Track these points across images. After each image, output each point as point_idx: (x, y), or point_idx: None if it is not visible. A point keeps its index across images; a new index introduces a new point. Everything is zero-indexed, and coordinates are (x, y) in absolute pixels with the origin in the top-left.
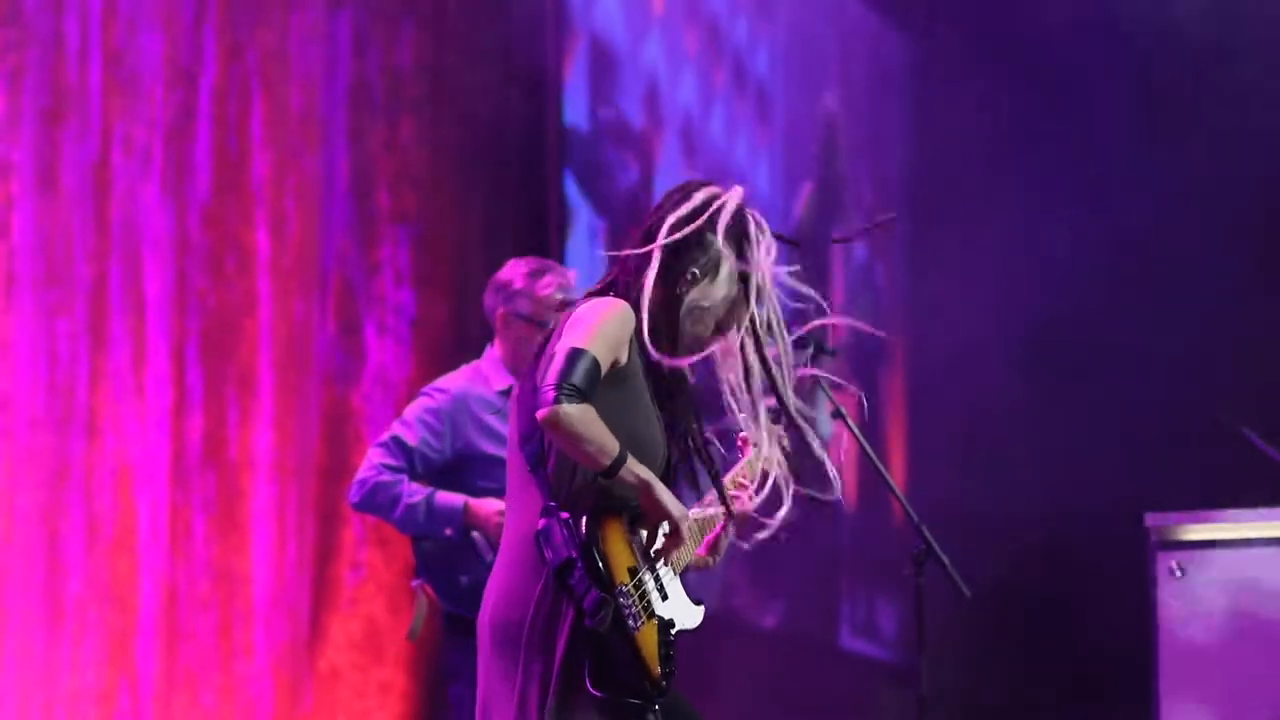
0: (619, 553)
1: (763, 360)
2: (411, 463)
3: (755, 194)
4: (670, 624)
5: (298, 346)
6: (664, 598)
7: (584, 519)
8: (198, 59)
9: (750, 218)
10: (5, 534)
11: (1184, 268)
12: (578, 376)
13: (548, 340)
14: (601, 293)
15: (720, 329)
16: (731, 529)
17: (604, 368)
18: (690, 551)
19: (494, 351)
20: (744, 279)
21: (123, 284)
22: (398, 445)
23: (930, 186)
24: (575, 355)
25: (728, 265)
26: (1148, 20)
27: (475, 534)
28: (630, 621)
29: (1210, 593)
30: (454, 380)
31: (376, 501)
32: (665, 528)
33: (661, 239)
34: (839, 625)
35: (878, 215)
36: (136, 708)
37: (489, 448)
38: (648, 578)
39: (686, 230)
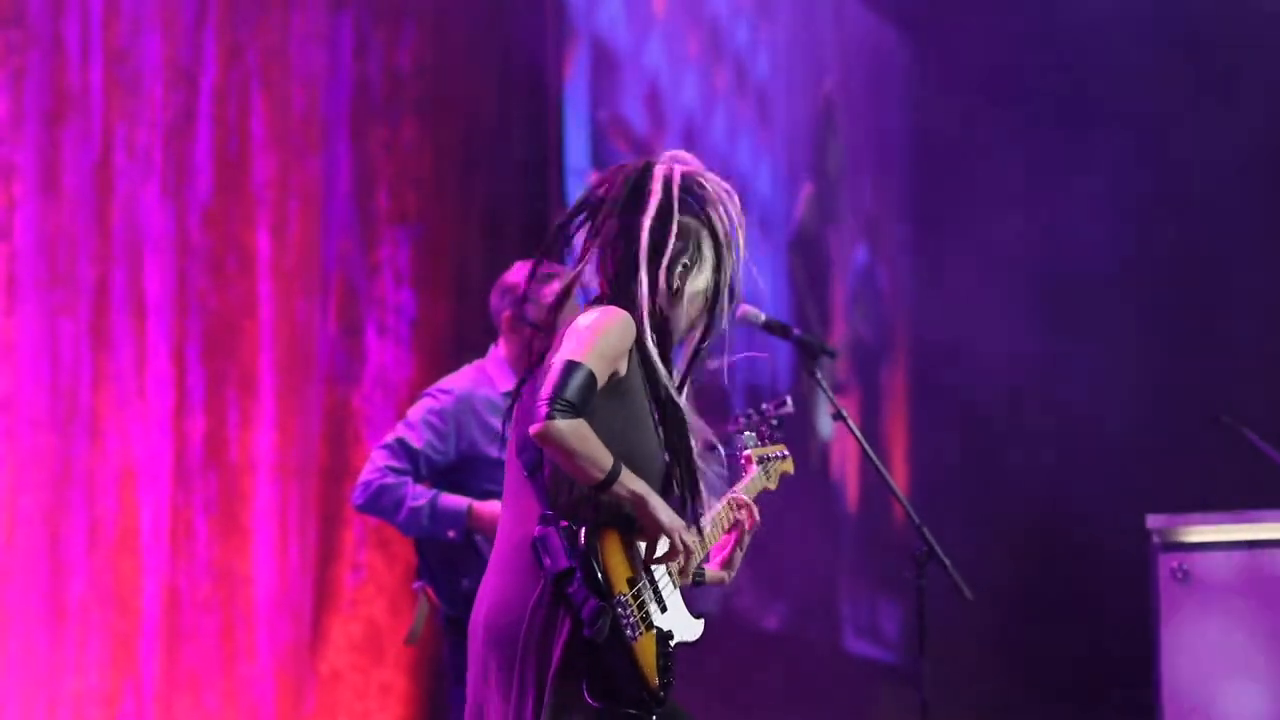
0: (618, 563)
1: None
2: (416, 465)
3: (757, 195)
4: (669, 635)
5: (299, 348)
6: (663, 609)
7: (583, 529)
8: (198, 60)
9: (699, 180)
10: (8, 535)
11: (1185, 267)
12: (571, 391)
13: (544, 352)
14: (597, 303)
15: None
16: (745, 543)
17: (601, 380)
18: (693, 562)
19: (499, 352)
20: (714, 239)
21: (124, 285)
22: (402, 447)
23: (931, 187)
24: (571, 369)
25: (707, 242)
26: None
27: (478, 538)
28: (628, 632)
29: (1213, 595)
30: (458, 381)
31: (380, 504)
32: (663, 540)
33: (645, 249)
34: (842, 627)
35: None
36: (140, 709)
37: (493, 450)
38: (646, 589)
39: (669, 229)
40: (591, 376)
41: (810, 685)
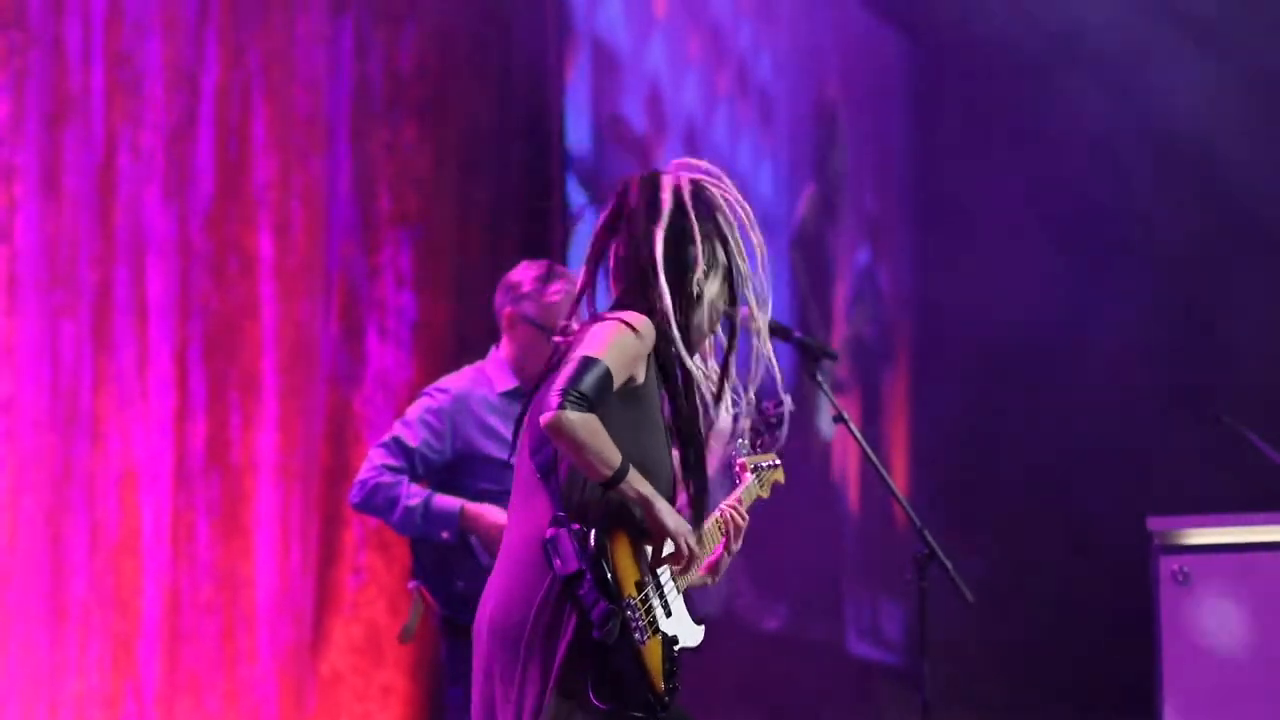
0: (627, 567)
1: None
2: (412, 463)
3: (758, 197)
4: (674, 640)
5: (300, 349)
6: (668, 614)
7: (593, 531)
8: (200, 62)
9: (708, 186)
10: (9, 537)
11: (1184, 268)
12: (587, 384)
13: (556, 351)
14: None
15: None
16: (734, 549)
17: (616, 381)
18: (695, 569)
19: (499, 353)
20: (725, 245)
21: (126, 287)
22: (399, 446)
23: (932, 187)
24: (588, 363)
25: (719, 247)
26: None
27: (473, 539)
28: (637, 635)
29: (1213, 597)
30: (456, 381)
31: (375, 503)
32: (669, 545)
33: (660, 257)
34: (843, 628)
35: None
36: (141, 711)
37: (489, 448)
38: (653, 593)
39: (682, 236)
40: (608, 374)
41: (811, 686)
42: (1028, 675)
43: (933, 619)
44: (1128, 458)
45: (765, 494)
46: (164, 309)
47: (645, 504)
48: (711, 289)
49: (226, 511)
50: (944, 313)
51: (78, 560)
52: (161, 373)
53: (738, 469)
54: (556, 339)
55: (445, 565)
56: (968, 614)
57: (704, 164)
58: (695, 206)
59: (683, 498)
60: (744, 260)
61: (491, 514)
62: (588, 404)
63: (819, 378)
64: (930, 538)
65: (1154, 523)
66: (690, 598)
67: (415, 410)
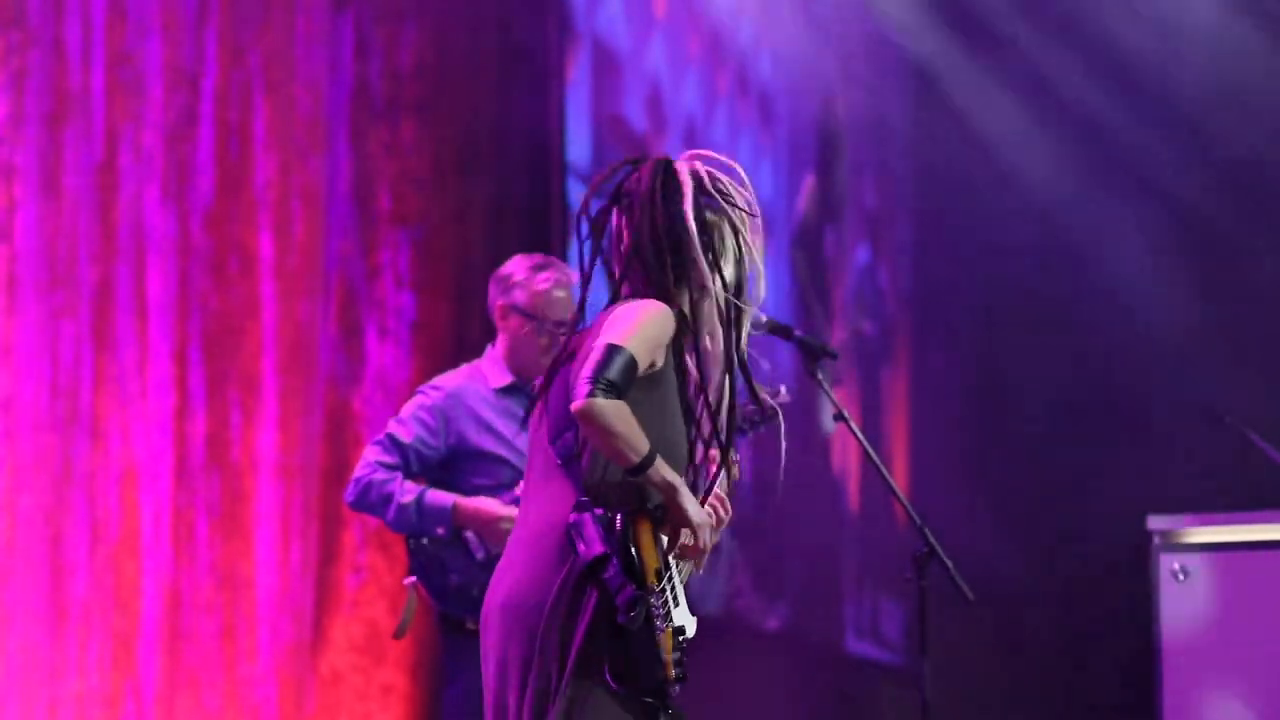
0: (650, 554)
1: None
2: (407, 460)
3: (758, 196)
4: (681, 630)
5: (300, 349)
6: (676, 604)
7: (619, 516)
8: (200, 61)
9: (719, 175)
10: (8, 536)
11: (1184, 269)
12: (614, 372)
13: (570, 340)
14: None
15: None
16: (715, 540)
17: (641, 367)
18: (703, 560)
19: (494, 350)
20: (735, 234)
21: (126, 286)
22: (392, 443)
23: (932, 187)
24: (613, 351)
25: (730, 235)
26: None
27: (468, 533)
28: (658, 622)
29: (1214, 596)
30: (451, 378)
31: (370, 500)
32: (686, 534)
33: (696, 239)
34: (843, 628)
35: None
36: (140, 710)
37: (484, 444)
38: (669, 581)
39: (704, 223)
40: (633, 361)
41: (811, 686)
42: (1027, 674)
43: (933, 618)
44: (1128, 456)
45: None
46: (164, 308)
47: (671, 491)
48: (726, 277)
49: (226, 511)
50: (946, 311)
51: (77, 559)
52: (161, 372)
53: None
54: (557, 332)
55: (440, 560)
56: (968, 613)
57: (715, 155)
58: (714, 193)
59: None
60: (749, 250)
61: (485, 506)
62: (616, 391)
63: (819, 376)
64: (930, 536)
65: (1154, 521)
66: (688, 589)
67: (409, 408)
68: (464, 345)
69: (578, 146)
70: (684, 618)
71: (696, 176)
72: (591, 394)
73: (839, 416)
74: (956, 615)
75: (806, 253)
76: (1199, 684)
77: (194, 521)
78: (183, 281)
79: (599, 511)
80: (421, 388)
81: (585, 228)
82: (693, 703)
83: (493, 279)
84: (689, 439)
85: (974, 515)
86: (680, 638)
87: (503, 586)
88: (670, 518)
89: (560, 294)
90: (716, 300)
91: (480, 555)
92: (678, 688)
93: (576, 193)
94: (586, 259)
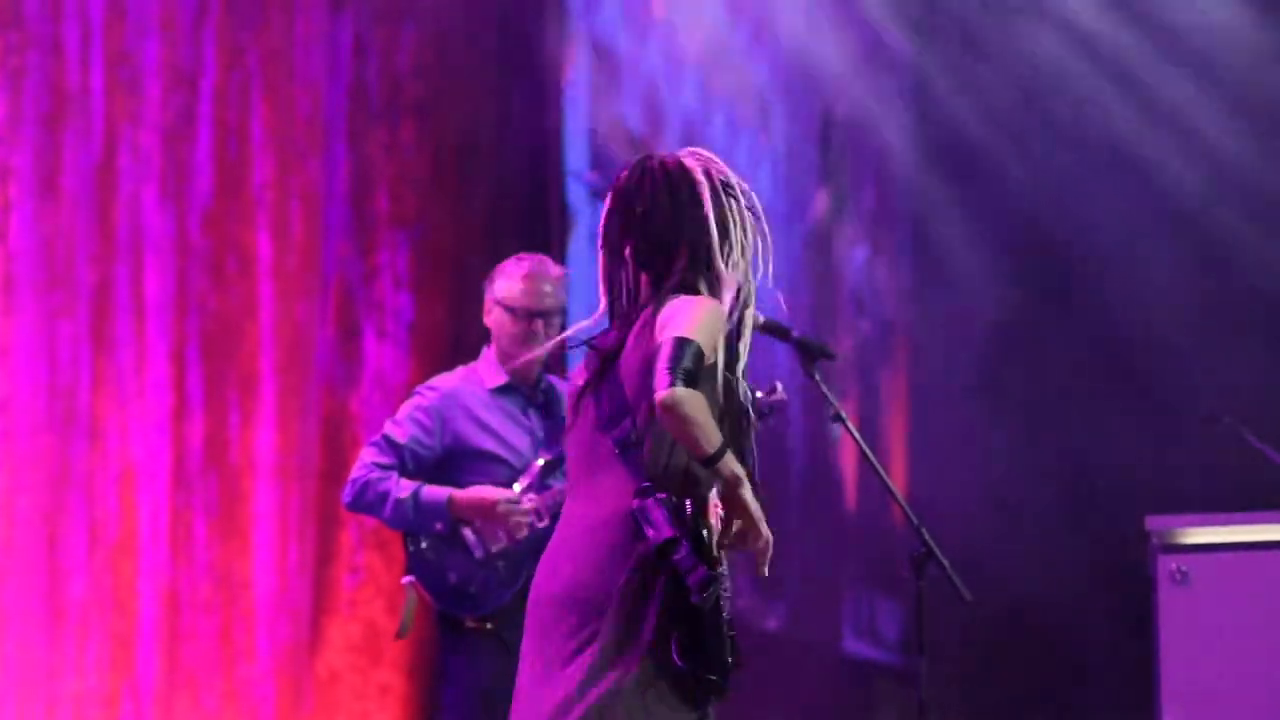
0: (712, 539)
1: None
2: (402, 460)
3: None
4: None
5: (299, 350)
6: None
7: (687, 501)
8: (198, 62)
9: (727, 174)
10: (6, 537)
11: (1185, 269)
12: (689, 362)
13: (606, 338)
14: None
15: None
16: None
17: (706, 360)
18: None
19: (489, 352)
20: (744, 232)
21: (124, 287)
22: (388, 443)
23: (932, 187)
24: (685, 343)
25: (740, 233)
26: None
27: (466, 530)
28: (724, 603)
29: (1212, 597)
30: (447, 380)
31: (367, 499)
32: (737, 524)
33: (715, 240)
34: (841, 628)
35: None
36: (138, 710)
37: (479, 443)
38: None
39: (724, 220)
40: (701, 352)
41: (809, 686)
42: (1025, 675)
43: (930, 618)
44: (1127, 457)
45: None
46: (162, 309)
47: (737, 483)
48: (739, 276)
49: (224, 511)
50: (944, 312)
51: (75, 560)
52: (159, 372)
53: None
54: (534, 323)
55: (438, 558)
56: (965, 613)
57: (713, 156)
58: (730, 193)
59: None
60: (756, 251)
61: (481, 492)
62: (693, 381)
63: (817, 377)
64: (928, 536)
65: (1152, 522)
66: None
67: (405, 409)
68: (462, 346)
69: (576, 148)
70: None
71: (709, 176)
72: (673, 383)
73: (836, 417)
74: (954, 615)
75: (819, 256)
76: (1198, 685)
77: (192, 522)
78: (181, 282)
79: (663, 496)
80: (418, 389)
81: (609, 229)
82: None
83: (490, 279)
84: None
85: (971, 515)
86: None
87: (562, 575)
88: (730, 508)
89: (537, 284)
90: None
91: (479, 554)
92: (737, 668)
93: (575, 193)
94: (604, 260)
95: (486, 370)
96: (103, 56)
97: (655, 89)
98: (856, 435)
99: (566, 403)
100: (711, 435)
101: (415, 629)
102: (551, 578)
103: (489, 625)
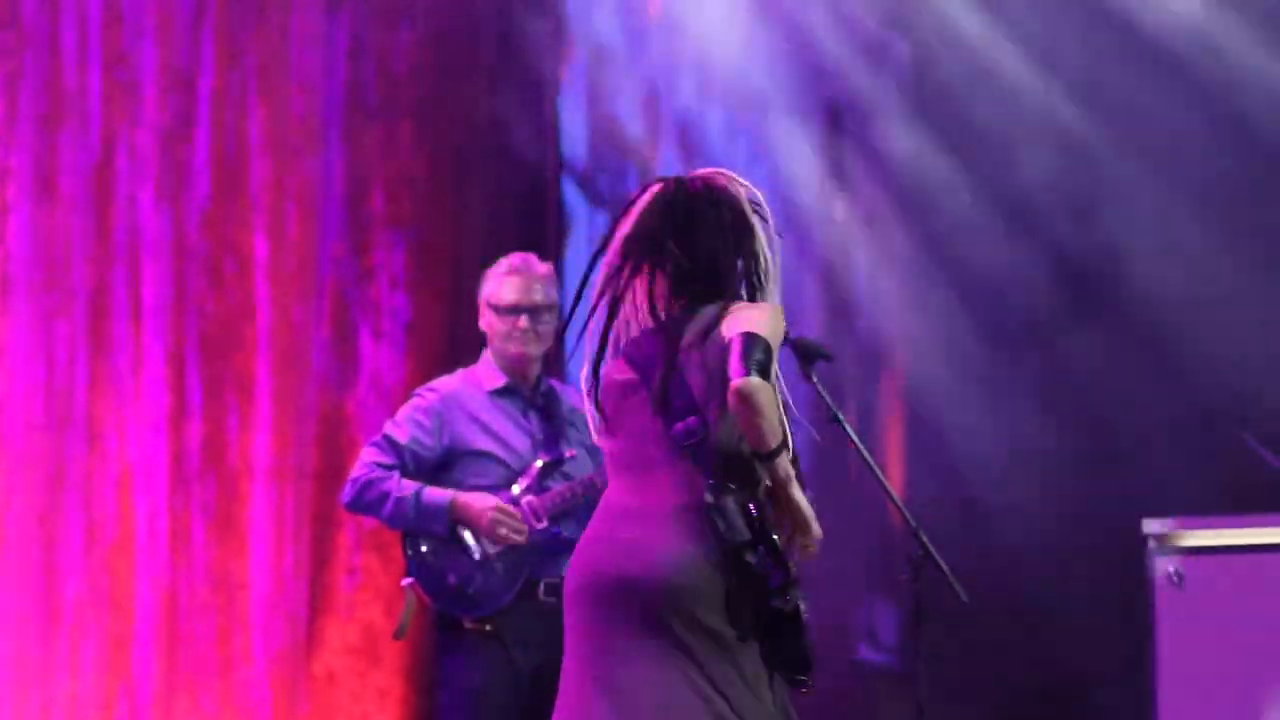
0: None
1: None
2: (403, 460)
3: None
4: None
5: (295, 351)
6: None
7: (752, 504)
8: (196, 63)
9: (754, 193)
10: (2, 539)
11: (1185, 270)
12: (761, 355)
13: (653, 343)
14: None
15: None
16: None
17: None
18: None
19: (487, 354)
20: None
21: (122, 288)
22: (389, 443)
23: (931, 187)
24: (756, 338)
25: (766, 251)
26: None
27: (465, 532)
28: (802, 605)
29: (1210, 600)
30: (446, 382)
31: (367, 499)
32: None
33: (764, 258)
34: (839, 630)
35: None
36: (134, 712)
37: (479, 443)
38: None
39: (761, 244)
40: (770, 349)
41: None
42: (1022, 677)
43: (927, 620)
44: (1123, 459)
45: None
46: (159, 310)
47: (790, 482)
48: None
49: (221, 512)
50: (942, 314)
51: (72, 561)
52: (156, 374)
53: None
54: (515, 318)
55: (437, 560)
56: (963, 615)
57: (736, 175)
58: (760, 213)
59: None
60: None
61: (482, 500)
62: (765, 374)
63: (814, 379)
64: (925, 538)
65: (1149, 524)
66: None
67: (405, 410)
68: (459, 347)
69: (572, 147)
70: None
71: (748, 201)
72: (748, 373)
73: (834, 419)
74: (951, 617)
75: (818, 257)
76: (1195, 688)
77: (189, 523)
78: (178, 283)
79: (737, 495)
80: (417, 390)
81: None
82: None
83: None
84: None
85: (968, 517)
86: None
87: (634, 564)
88: (783, 507)
89: (520, 280)
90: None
91: (478, 555)
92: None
93: (571, 194)
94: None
95: (485, 373)
96: (100, 57)
97: (653, 90)
98: (855, 437)
99: (601, 399)
100: (778, 429)
101: (414, 631)
102: (623, 564)
103: (488, 627)
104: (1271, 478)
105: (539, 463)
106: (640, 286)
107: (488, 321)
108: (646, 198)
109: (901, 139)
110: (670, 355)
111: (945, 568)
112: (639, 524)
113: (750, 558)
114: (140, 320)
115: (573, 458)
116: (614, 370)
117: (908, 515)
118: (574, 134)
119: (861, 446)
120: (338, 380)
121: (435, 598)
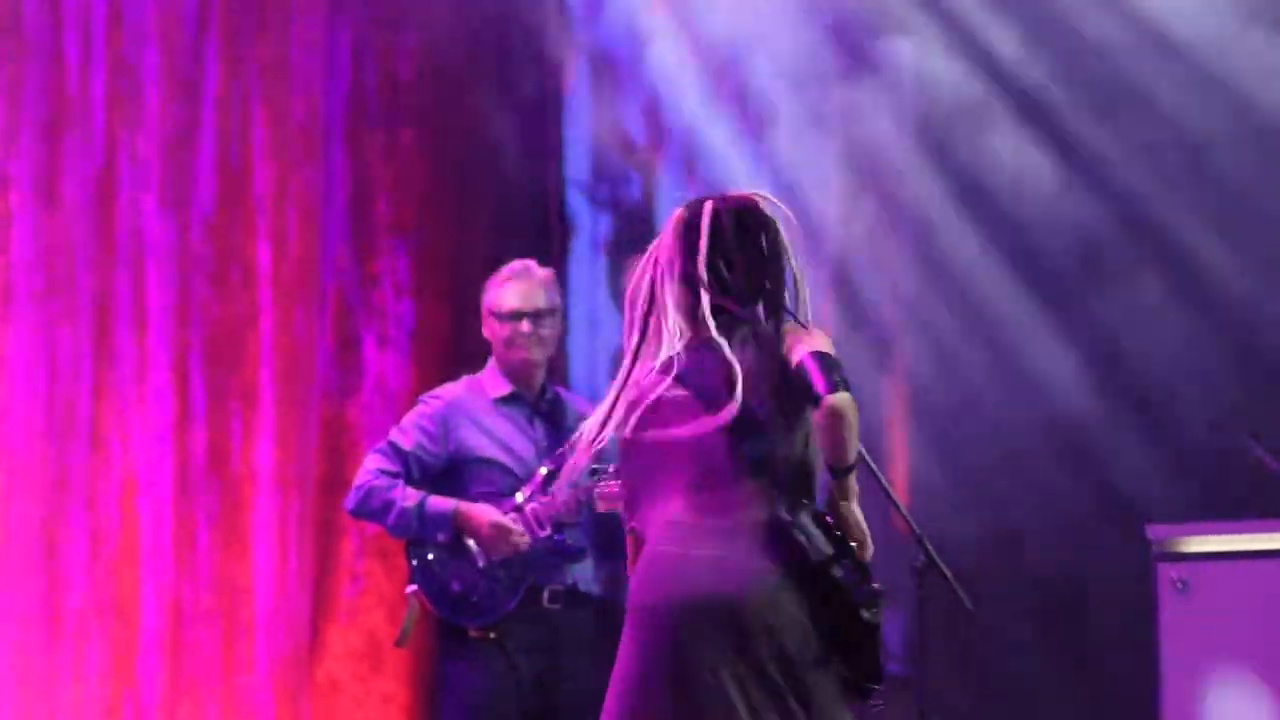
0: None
1: None
2: (407, 467)
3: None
4: None
5: (299, 358)
6: None
7: (829, 519)
8: (198, 70)
9: (787, 216)
10: (4, 545)
11: (1185, 271)
12: (841, 374)
13: (708, 360)
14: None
15: None
16: None
17: None
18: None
19: (492, 362)
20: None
21: (125, 296)
22: (394, 450)
23: (936, 191)
24: (830, 358)
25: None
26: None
27: (469, 540)
28: (883, 618)
29: (1213, 606)
30: (451, 389)
31: (371, 506)
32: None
33: (797, 273)
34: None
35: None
36: (139, 719)
37: (484, 450)
38: None
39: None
40: (843, 368)
41: None
42: (1026, 685)
43: (931, 627)
44: (1126, 464)
45: None
46: (163, 318)
47: (853, 497)
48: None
49: (225, 520)
50: (943, 316)
51: (77, 568)
52: (160, 381)
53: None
54: (517, 323)
55: (442, 568)
56: (966, 621)
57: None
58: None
59: None
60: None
61: (484, 513)
62: (849, 390)
63: None
64: (929, 546)
65: (1153, 530)
66: None
67: (410, 417)
68: (463, 353)
69: (576, 154)
70: None
71: (782, 223)
72: (835, 389)
73: None
74: (955, 624)
75: (821, 262)
76: (1199, 694)
77: (194, 531)
78: (181, 290)
79: (816, 512)
80: (422, 397)
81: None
82: None
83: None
84: None
85: (972, 524)
86: None
87: (717, 581)
88: (844, 523)
89: (520, 285)
90: None
91: (482, 563)
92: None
93: (575, 200)
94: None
95: (490, 380)
96: (103, 64)
97: (656, 97)
98: (862, 450)
99: (640, 411)
100: (856, 445)
101: (417, 637)
102: (689, 585)
103: (492, 635)
104: (1275, 483)
105: (544, 470)
106: (679, 305)
107: (491, 329)
108: (684, 216)
109: (903, 144)
110: (730, 374)
111: (949, 574)
112: (717, 541)
113: (837, 571)
114: (144, 327)
115: None
116: (657, 386)
117: (912, 522)
118: (577, 140)
119: (865, 453)
120: (341, 387)
121: (439, 606)
